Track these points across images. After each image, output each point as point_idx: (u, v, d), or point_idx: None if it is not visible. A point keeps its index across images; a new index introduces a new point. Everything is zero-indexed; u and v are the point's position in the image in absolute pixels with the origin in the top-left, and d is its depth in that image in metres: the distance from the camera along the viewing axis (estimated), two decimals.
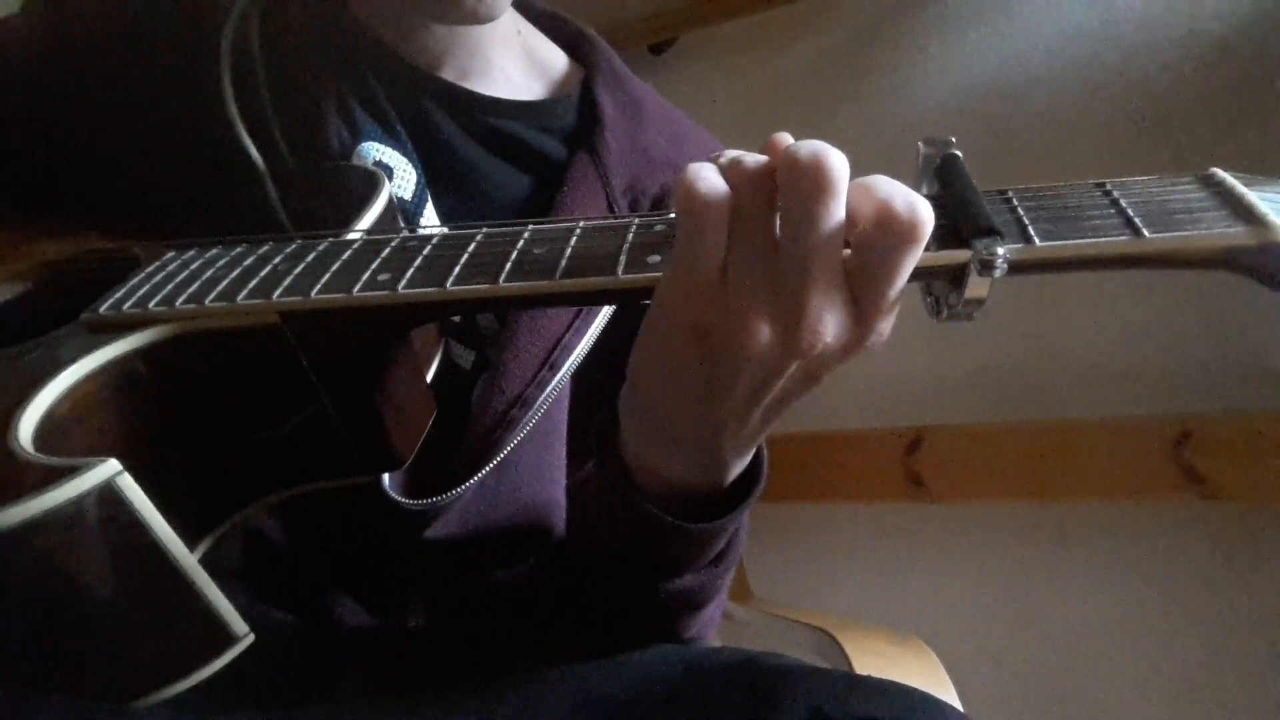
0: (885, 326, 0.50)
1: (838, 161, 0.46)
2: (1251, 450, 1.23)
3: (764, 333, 0.49)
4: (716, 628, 0.79)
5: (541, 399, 0.75)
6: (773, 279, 0.49)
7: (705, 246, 0.49)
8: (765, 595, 1.54)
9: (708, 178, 0.48)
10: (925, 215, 0.46)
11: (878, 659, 1.09)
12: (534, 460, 0.78)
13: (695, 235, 0.49)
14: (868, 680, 0.62)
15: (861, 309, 0.49)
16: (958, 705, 0.73)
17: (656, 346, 0.55)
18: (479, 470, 0.74)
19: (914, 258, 0.47)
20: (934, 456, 1.50)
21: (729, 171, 0.49)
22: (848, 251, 0.48)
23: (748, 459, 0.62)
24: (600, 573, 0.70)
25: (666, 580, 0.67)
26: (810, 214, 0.47)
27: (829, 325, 0.48)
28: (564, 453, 0.81)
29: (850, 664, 1.07)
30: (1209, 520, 1.32)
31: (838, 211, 0.47)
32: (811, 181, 0.46)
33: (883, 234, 0.46)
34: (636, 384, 0.59)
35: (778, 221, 0.49)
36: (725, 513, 0.63)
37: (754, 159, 0.49)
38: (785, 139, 0.50)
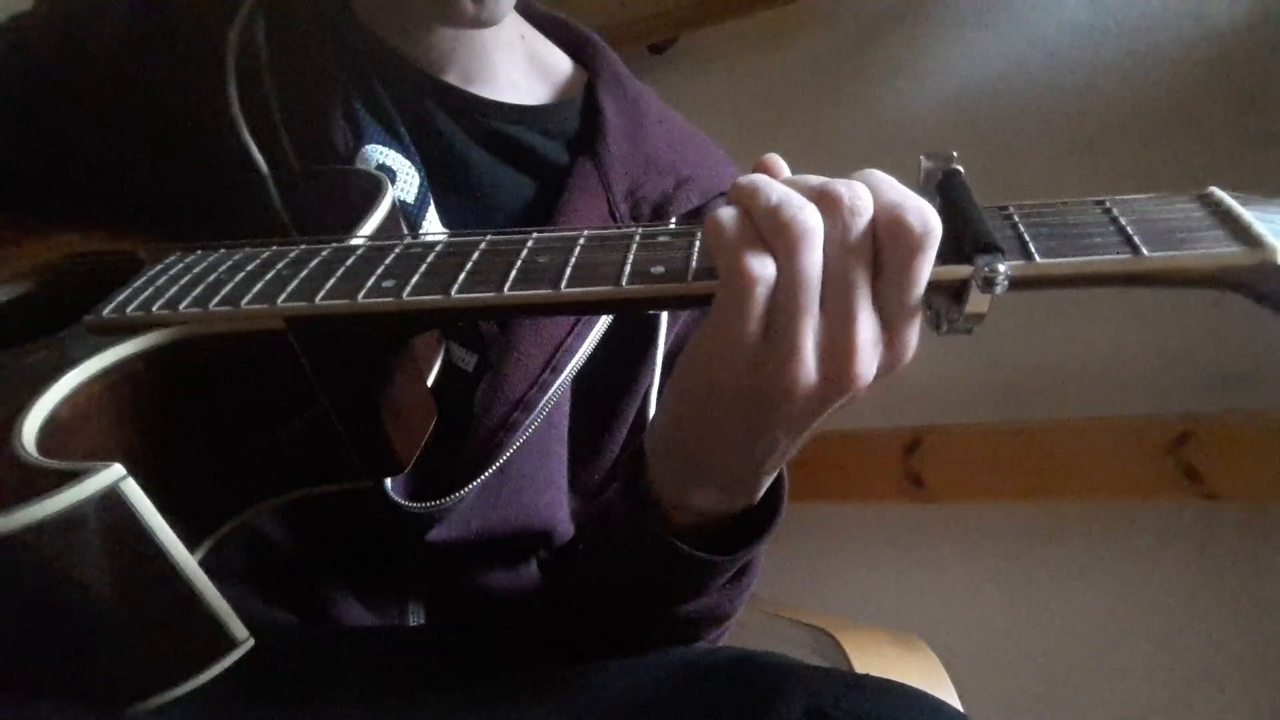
0: (915, 339, 0.51)
1: (865, 192, 0.48)
2: (1251, 450, 1.23)
3: (811, 381, 0.50)
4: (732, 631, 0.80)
5: (543, 402, 0.75)
6: (818, 324, 0.49)
7: (753, 316, 0.49)
8: (765, 595, 1.54)
9: (757, 258, 0.48)
10: (934, 220, 0.47)
11: (878, 659, 1.09)
12: (535, 463, 0.78)
13: (744, 310, 0.49)
14: (867, 679, 0.63)
15: (892, 331, 0.50)
16: (957, 705, 0.74)
17: (694, 403, 0.55)
18: (481, 473, 0.74)
19: (925, 263, 0.48)
20: (934, 456, 1.50)
21: (775, 230, 0.49)
22: None
23: (774, 475, 0.62)
24: (622, 595, 0.70)
25: (691, 601, 0.67)
26: (853, 247, 0.48)
27: (872, 358, 0.50)
28: (565, 456, 0.81)
29: (850, 664, 1.07)
30: (1209, 520, 1.32)
31: (866, 233, 0.48)
32: (854, 210, 0.48)
33: (897, 246, 0.47)
34: (671, 432, 0.59)
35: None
36: (751, 535, 0.64)
37: (795, 211, 0.48)
38: (779, 165, 0.52)
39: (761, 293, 0.48)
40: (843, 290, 0.48)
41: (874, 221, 0.48)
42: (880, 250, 0.48)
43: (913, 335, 0.51)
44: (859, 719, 0.58)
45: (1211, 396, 1.30)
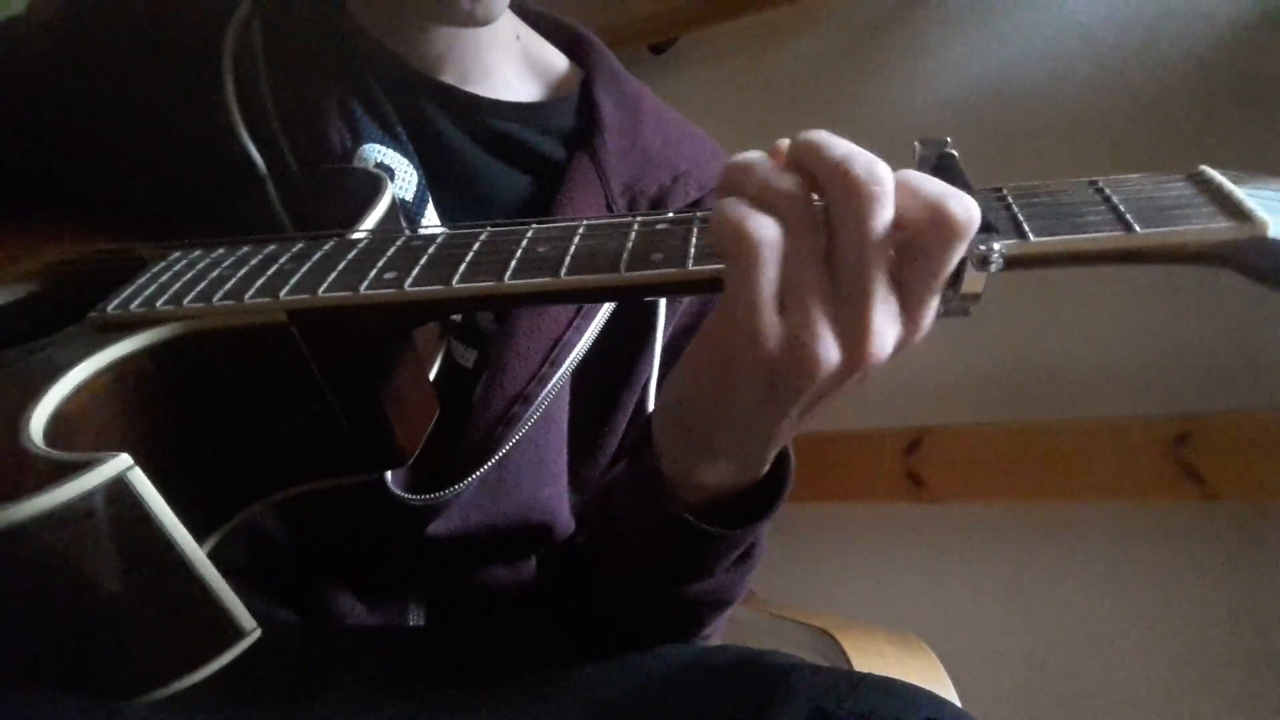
0: (932, 315, 0.50)
1: (885, 172, 0.47)
2: (1251, 450, 1.24)
3: (832, 355, 0.49)
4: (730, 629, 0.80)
5: (542, 396, 0.75)
6: (833, 300, 0.48)
7: (764, 285, 0.48)
8: (765, 595, 1.54)
9: (757, 220, 0.47)
10: (976, 210, 0.46)
11: (878, 659, 1.09)
12: (534, 457, 0.78)
13: (753, 277, 0.48)
14: (869, 678, 0.63)
15: (911, 310, 0.49)
16: (958, 705, 0.74)
17: (708, 381, 0.54)
18: (480, 466, 0.75)
19: (960, 253, 0.47)
20: (934, 456, 1.51)
21: (773, 201, 0.48)
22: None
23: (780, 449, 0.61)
24: (628, 576, 0.69)
25: (697, 581, 0.67)
26: (870, 229, 0.46)
27: (890, 335, 0.49)
28: (564, 449, 0.82)
29: (850, 664, 1.08)
30: (1209, 520, 1.32)
31: (888, 219, 0.47)
32: (870, 195, 0.46)
33: (937, 235, 0.46)
34: (682, 411, 0.58)
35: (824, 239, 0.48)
36: (758, 510, 0.63)
37: (788, 182, 0.48)
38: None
39: (769, 258, 0.47)
40: (859, 268, 0.47)
41: (915, 209, 0.47)
42: (919, 236, 0.47)
43: (930, 312, 0.50)
44: (863, 718, 0.58)
45: (1211, 396, 1.30)
